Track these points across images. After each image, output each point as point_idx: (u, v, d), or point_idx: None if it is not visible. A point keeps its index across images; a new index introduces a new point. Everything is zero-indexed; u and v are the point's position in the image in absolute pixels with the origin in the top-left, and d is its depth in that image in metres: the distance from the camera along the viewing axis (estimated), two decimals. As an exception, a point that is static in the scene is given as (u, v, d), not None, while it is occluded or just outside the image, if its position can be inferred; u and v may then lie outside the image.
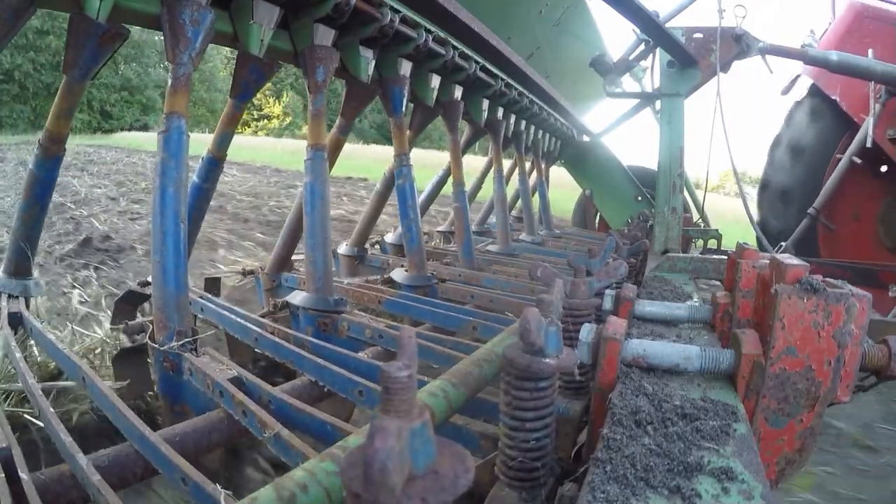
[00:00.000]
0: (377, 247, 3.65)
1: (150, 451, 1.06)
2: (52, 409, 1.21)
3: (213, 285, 2.68)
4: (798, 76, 4.43)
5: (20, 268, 1.95)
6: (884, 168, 4.02)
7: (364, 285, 2.49)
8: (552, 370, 0.70)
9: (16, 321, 1.81)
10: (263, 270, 2.63)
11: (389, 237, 3.69)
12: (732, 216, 10.36)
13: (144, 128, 27.93)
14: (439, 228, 4.75)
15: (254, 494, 0.64)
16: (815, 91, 4.23)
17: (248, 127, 36.82)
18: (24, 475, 0.98)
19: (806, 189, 4.12)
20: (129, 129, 26.28)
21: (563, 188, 8.85)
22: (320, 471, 0.68)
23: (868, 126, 3.64)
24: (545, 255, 3.72)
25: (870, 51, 3.44)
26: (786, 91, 4.54)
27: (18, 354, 1.53)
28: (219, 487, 0.90)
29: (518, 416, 0.72)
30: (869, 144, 3.62)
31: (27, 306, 1.92)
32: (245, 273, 2.76)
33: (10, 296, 1.92)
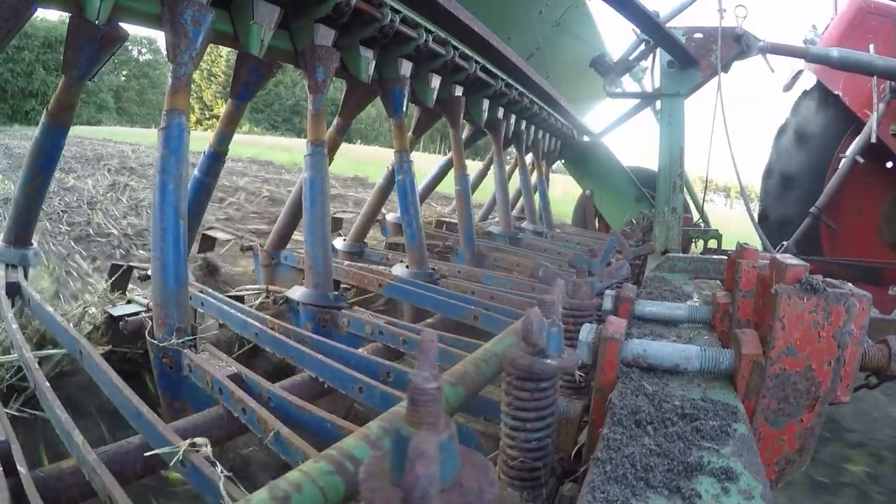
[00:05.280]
0: (377, 225, 3.70)
1: (146, 429, 1.05)
2: (47, 384, 1.20)
3: (207, 243, 2.68)
4: (800, 71, 4.42)
5: (20, 237, 1.93)
6: (889, 164, 4.00)
7: (365, 268, 2.49)
8: (554, 371, 0.70)
9: (13, 291, 1.79)
10: (262, 247, 2.64)
11: (391, 216, 3.70)
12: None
13: (98, 123, 33.06)
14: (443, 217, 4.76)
15: (250, 496, 0.64)
16: (813, 89, 4.22)
17: (201, 125, 39.06)
18: (22, 469, 0.97)
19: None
20: (85, 125, 30.46)
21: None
22: (317, 472, 0.68)
23: (872, 122, 3.63)
24: (547, 243, 3.74)
25: (871, 46, 3.43)
26: (788, 87, 4.53)
27: (15, 326, 1.51)
28: (218, 470, 0.89)
29: (519, 417, 0.72)
30: (874, 140, 3.62)
31: (26, 276, 1.90)
32: (244, 249, 2.77)
33: (8, 265, 1.89)
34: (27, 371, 1.33)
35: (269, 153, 16.14)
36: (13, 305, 1.71)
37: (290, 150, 17.85)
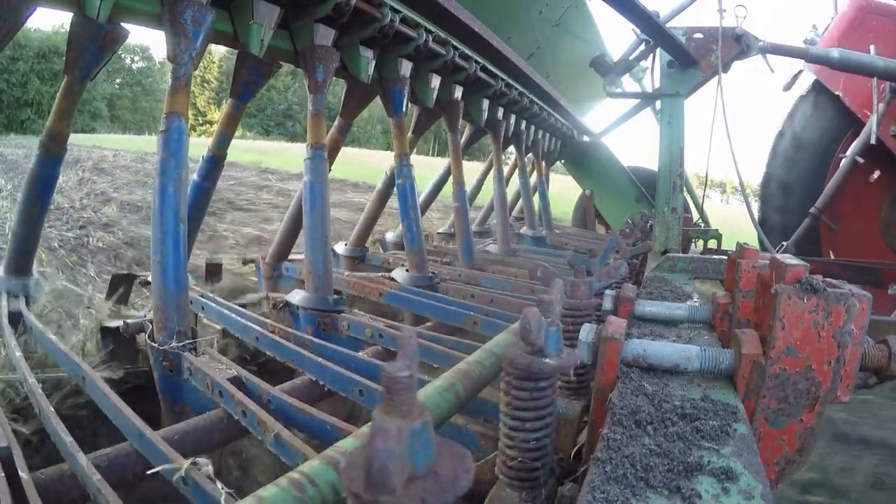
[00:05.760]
0: (377, 245, 3.67)
1: (149, 450, 1.06)
2: (51, 409, 1.21)
3: (214, 271, 2.68)
4: (800, 71, 4.41)
5: (20, 266, 1.94)
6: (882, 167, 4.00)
7: (365, 277, 2.49)
8: (552, 370, 0.70)
9: (16, 320, 1.80)
10: (264, 260, 2.64)
11: (390, 235, 3.70)
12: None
13: (92, 131, 33.60)
14: (440, 230, 4.76)
15: (251, 496, 0.64)
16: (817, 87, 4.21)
17: (195, 131, 40.45)
18: (23, 474, 0.97)
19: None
20: (80, 133, 30.39)
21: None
22: (316, 472, 0.68)
23: (872, 123, 3.63)
24: (545, 255, 3.72)
25: (871, 47, 3.43)
26: (787, 87, 4.52)
27: (18, 353, 1.52)
28: (219, 486, 0.90)
29: (518, 416, 0.72)
30: (873, 141, 3.62)
31: (27, 305, 1.91)
32: (246, 262, 2.78)
33: (10, 294, 1.91)
34: (31, 397, 1.34)
35: (237, 154, 16.89)
36: (16, 333, 1.72)
37: (266, 152, 18.61)
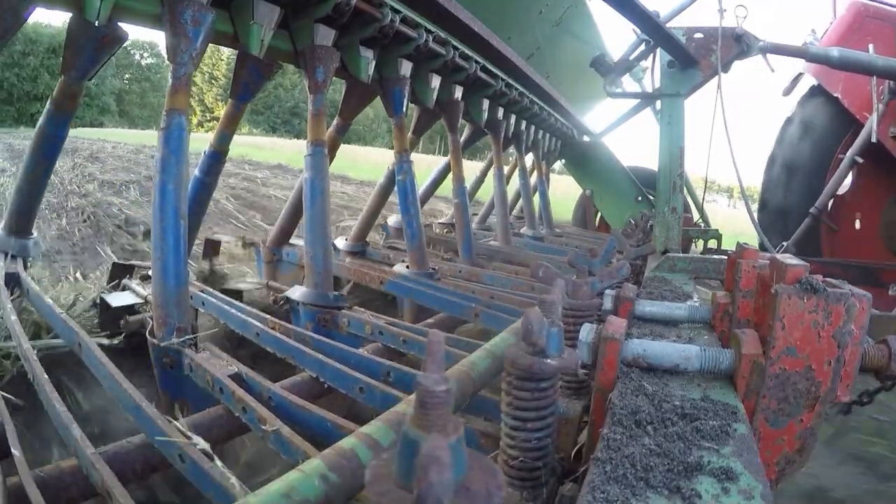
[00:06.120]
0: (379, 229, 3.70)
1: (145, 423, 1.05)
2: (45, 376, 1.19)
3: (212, 248, 2.67)
4: (800, 75, 4.41)
5: (20, 226, 1.91)
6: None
7: (366, 265, 2.49)
8: (554, 371, 0.70)
9: (12, 282, 1.78)
10: (265, 244, 2.64)
11: (392, 220, 3.71)
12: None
13: (101, 125, 34.95)
14: (440, 220, 4.76)
15: (249, 495, 0.64)
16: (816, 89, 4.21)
17: (202, 127, 40.62)
18: (16, 452, 0.97)
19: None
20: (88, 126, 32.18)
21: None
22: (317, 471, 0.68)
23: (872, 123, 3.64)
24: (546, 252, 3.73)
25: (870, 46, 3.44)
26: (787, 91, 4.53)
27: (14, 317, 1.50)
28: (216, 463, 0.90)
29: (520, 416, 0.73)
30: (874, 140, 3.62)
31: (25, 267, 1.88)
32: (246, 245, 2.77)
33: (8, 255, 1.88)
34: (25, 362, 1.32)
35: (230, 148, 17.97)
36: (12, 296, 1.70)
37: (261, 147, 19.69)
